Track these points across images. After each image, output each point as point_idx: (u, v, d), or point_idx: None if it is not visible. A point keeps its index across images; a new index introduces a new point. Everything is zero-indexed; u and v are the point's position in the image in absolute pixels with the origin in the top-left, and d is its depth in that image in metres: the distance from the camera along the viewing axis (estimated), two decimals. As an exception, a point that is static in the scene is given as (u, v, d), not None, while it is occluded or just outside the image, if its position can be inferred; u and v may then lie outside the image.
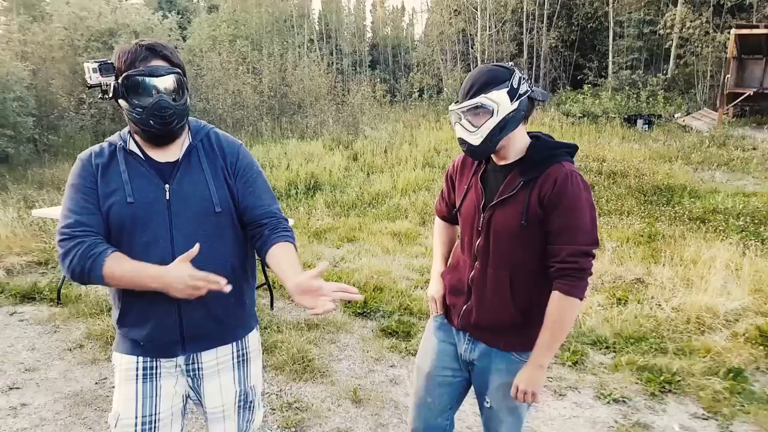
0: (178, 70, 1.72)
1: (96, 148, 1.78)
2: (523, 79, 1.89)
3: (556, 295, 1.81)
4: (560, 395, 3.62)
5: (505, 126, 1.85)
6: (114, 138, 1.80)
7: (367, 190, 10.01)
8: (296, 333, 4.30)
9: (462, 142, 1.91)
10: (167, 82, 1.68)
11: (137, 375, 1.75)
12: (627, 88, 24.01)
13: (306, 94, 18.92)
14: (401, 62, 42.34)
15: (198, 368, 1.82)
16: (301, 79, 19.40)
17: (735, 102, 18.50)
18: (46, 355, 3.95)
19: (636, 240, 7.41)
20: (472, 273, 2.00)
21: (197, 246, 1.61)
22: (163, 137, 1.74)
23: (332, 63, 32.83)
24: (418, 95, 29.63)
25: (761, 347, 4.18)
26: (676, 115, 19.78)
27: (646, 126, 18.23)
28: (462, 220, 2.08)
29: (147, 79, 1.66)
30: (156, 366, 1.77)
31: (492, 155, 1.97)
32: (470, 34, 32.72)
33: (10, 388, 3.47)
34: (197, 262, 1.63)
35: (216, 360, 1.83)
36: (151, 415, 1.75)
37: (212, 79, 17.67)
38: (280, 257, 1.72)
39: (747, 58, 19.06)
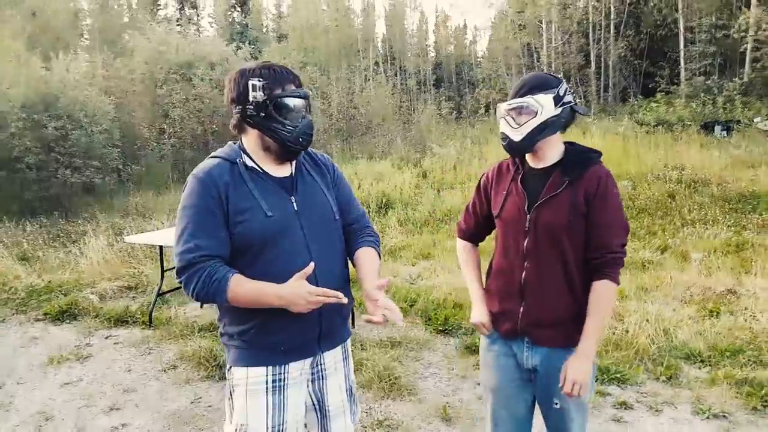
0: (309, 93, 1.88)
1: (212, 164, 1.80)
2: (569, 91, 2.05)
3: (604, 284, 1.95)
4: (656, 411, 3.50)
5: (545, 128, 2.00)
6: (227, 153, 1.84)
7: (438, 206, 10.04)
8: (380, 350, 4.35)
9: (504, 137, 2.06)
10: (304, 104, 1.84)
11: (267, 388, 1.81)
12: (702, 94, 23.03)
13: (373, 115, 19.25)
14: (465, 79, 42.34)
15: (322, 369, 1.93)
16: (368, 101, 19.75)
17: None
18: (142, 376, 4.12)
19: (723, 250, 7.09)
20: (524, 274, 2.07)
21: (312, 265, 1.71)
22: (297, 155, 1.87)
23: (397, 84, 33.25)
24: (485, 111, 29.48)
25: None
26: (755, 120, 18.79)
27: (725, 132, 17.42)
28: (504, 225, 2.16)
29: (296, 100, 1.80)
30: (284, 378, 1.83)
31: (528, 157, 2.11)
32: (535, 48, 32.35)
33: (111, 409, 3.63)
34: (327, 265, 1.82)
35: (334, 359, 1.97)
36: (280, 424, 1.82)
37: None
38: (363, 260, 1.94)
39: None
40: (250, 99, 1.76)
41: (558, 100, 2.00)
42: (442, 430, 3.33)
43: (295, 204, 1.83)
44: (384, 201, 10.39)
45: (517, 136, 2.01)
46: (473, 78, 39.61)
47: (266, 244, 1.75)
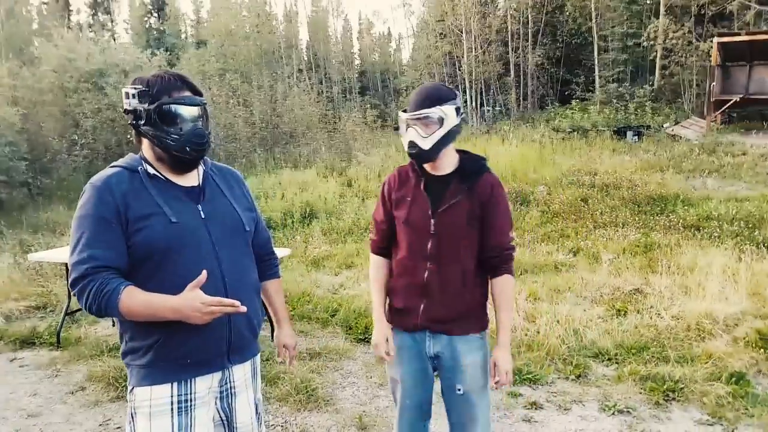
0: (205, 101, 1.83)
1: (109, 173, 1.75)
2: (462, 101, 2.29)
3: (506, 278, 2.19)
4: (565, 409, 3.63)
5: (448, 137, 2.16)
6: (127, 162, 1.79)
7: (362, 215, 10.05)
8: (299, 363, 4.30)
9: (412, 145, 2.15)
10: (198, 111, 1.78)
11: (172, 409, 1.74)
12: (615, 101, 24.25)
13: (297, 123, 19.09)
14: (390, 87, 42.74)
15: (231, 386, 1.89)
16: (292, 108, 19.57)
17: (722, 109, 18.70)
18: (48, 400, 3.91)
19: (632, 251, 7.46)
20: (426, 274, 2.21)
21: (204, 273, 1.64)
22: (191, 164, 1.81)
23: (322, 91, 33.14)
24: (409, 119, 29.82)
25: (762, 350, 4.21)
26: (664, 125, 19.97)
27: (636, 137, 18.39)
28: (409, 229, 2.25)
29: (184, 107, 1.74)
30: (190, 398, 1.76)
31: (427, 165, 2.24)
32: (456, 57, 33.10)
33: (14, 436, 3.43)
34: (238, 276, 1.81)
35: (244, 376, 1.92)
36: None
37: (203, 113, 17.71)
38: (275, 298, 2.15)
39: (731, 65, 19.28)
40: (125, 107, 1.74)
41: (458, 111, 2.17)
42: (357, 440, 3.31)
43: (202, 212, 1.79)
44: (308, 210, 10.32)
45: (426, 145, 2.13)
46: (398, 86, 40.07)
47: (170, 252, 1.69)
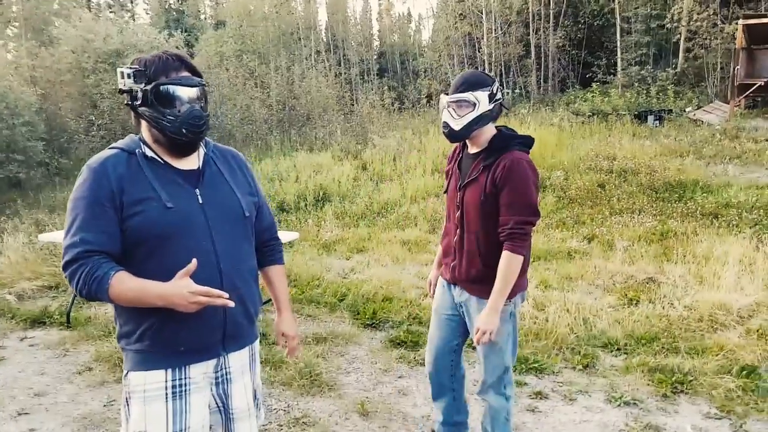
0: (204, 81, 1.80)
1: (107, 155, 1.73)
2: (500, 89, 2.51)
3: (506, 254, 2.40)
4: (570, 400, 3.59)
5: (480, 120, 2.44)
6: (126, 144, 1.76)
7: (376, 199, 10.02)
8: (304, 347, 4.31)
9: (446, 125, 2.50)
10: (197, 93, 1.74)
11: (166, 394, 1.73)
12: (636, 84, 23.77)
13: (314, 105, 18.99)
14: (409, 69, 42.36)
15: (226, 372, 1.87)
16: (309, 90, 19.47)
17: (746, 93, 18.23)
18: (55, 379, 3.96)
19: (648, 238, 7.34)
20: (456, 238, 2.62)
21: (195, 261, 1.63)
22: (188, 146, 1.77)
23: (340, 73, 32.93)
24: (426, 101, 29.61)
25: (775, 343, 4.12)
26: (687, 110, 19.56)
27: (657, 122, 18.05)
28: (448, 198, 2.74)
29: (181, 88, 1.70)
30: (185, 383, 1.76)
31: (468, 142, 2.58)
32: (476, 38, 32.66)
33: (20, 414, 3.47)
34: (234, 263, 1.79)
35: (240, 362, 1.91)
36: (182, 430, 1.75)
37: (220, 95, 17.78)
38: (278, 284, 2.12)
39: (756, 48, 18.76)
40: (119, 87, 1.70)
41: (492, 97, 2.44)
42: (359, 425, 3.31)
43: (200, 197, 1.76)
44: (321, 194, 10.31)
45: (457, 126, 2.45)
46: (417, 68, 39.69)
47: (164, 237, 1.67)
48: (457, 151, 2.70)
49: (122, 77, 1.69)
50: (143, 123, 1.75)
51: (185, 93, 1.71)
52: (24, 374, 4.05)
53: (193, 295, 1.60)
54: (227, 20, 35.50)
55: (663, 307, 5.00)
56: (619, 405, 3.51)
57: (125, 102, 1.75)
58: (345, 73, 36.35)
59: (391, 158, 12.91)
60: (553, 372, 3.95)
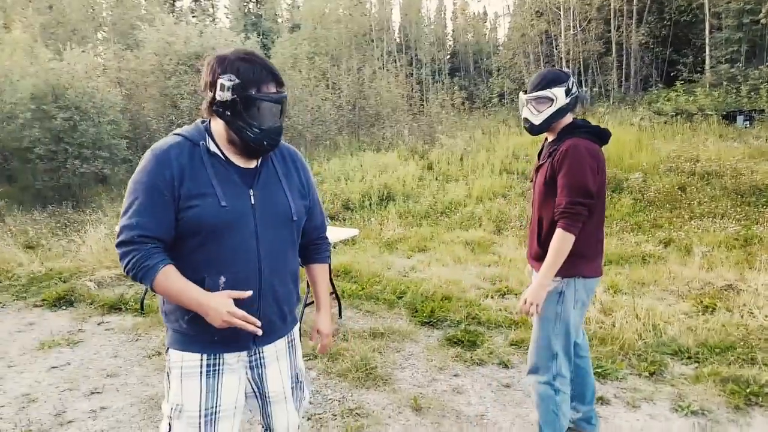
0: (286, 93, 1.82)
1: (172, 143, 1.75)
2: (575, 83, 2.67)
3: (558, 231, 2.52)
4: (633, 407, 3.42)
5: (558, 114, 2.62)
6: (191, 134, 1.78)
7: (440, 199, 9.96)
8: (361, 342, 4.33)
9: (526, 121, 2.71)
10: (281, 107, 1.79)
11: (201, 372, 1.81)
12: (726, 82, 22.43)
13: (383, 106, 19.08)
14: (482, 68, 41.82)
15: (260, 358, 1.92)
16: (378, 91, 19.58)
17: None
18: (127, 362, 4.18)
19: (729, 244, 6.94)
20: (531, 219, 2.82)
21: (250, 293, 1.73)
22: (260, 154, 1.82)
23: (411, 73, 32.94)
24: (498, 100, 29.13)
25: None
26: (781, 109, 18.31)
27: (747, 122, 16.99)
28: (532, 187, 2.91)
29: (271, 105, 1.74)
30: (219, 363, 1.82)
31: (547, 133, 2.75)
32: (554, 35, 31.85)
33: (92, 393, 3.69)
34: (275, 265, 1.83)
35: (275, 349, 1.96)
36: (213, 407, 1.81)
37: (293, 96, 18.09)
38: (320, 283, 2.14)
39: None
40: (217, 97, 1.70)
41: (568, 92, 2.61)
42: (411, 419, 3.29)
43: (252, 198, 1.79)
44: (386, 193, 10.34)
45: (537, 121, 2.65)
46: (490, 66, 39.14)
47: (215, 233, 1.71)
48: (543, 144, 2.89)
49: (222, 89, 1.69)
50: (220, 121, 1.76)
51: (272, 109, 1.75)
52: (98, 356, 4.30)
53: (229, 315, 1.67)
54: (302, 23, 36.32)
55: (742, 316, 4.70)
56: (685, 414, 3.31)
57: (209, 103, 1.75)
58: (416, 73, 36.35)
59: (458, 158, 12.79)
60: (617, 378, 3.79)
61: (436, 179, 11.56)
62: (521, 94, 2.75)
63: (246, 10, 40.85)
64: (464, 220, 8.86)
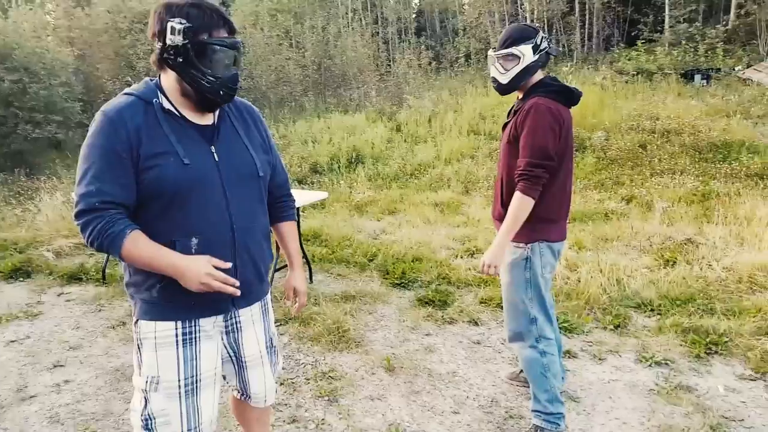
0: (241, 42, 1.74)
1: (124, 102, 1.65)
2: (545, 38, 2.56)
3: (516, 194, 2.45)
4: (599, 359, 3.54)
5: (527, 72, 2.55)
6: (142, 92, 1.69)
7: (409, 161, 9.94)
8: (333, 305, 4.34)
9: (494, 80, 2.63)
10: (236, 55, 1.70)
11: (177, 341, 1.74)
12: (684, 42, 22.70)
13: (349, 66, 18.73)
14: (449, 28, 41.35)
15: (236, 322, 1.89)
16: (344, 50, 19.18)
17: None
18: (90, 333, 4.08)
19: (688, 199, 7.12)
20: (496, 178, 2.77)
21: (228, 264, 1.68)
22: (217, 105, 1.75)
23: (377, 32, 32.35)
24: (465, 60, 28.93)
25: (818, 306, 3.96)
26: (736, 68, 18.65)
27: (704, 81, 17.25)
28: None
29: (224, 50, 1.65)
30: (195, 330, 1.76)
31: (518, 92, 2.65)
32: (518, -6, 31.61)
33: (55, 366, 3.59)
34: (247, 222, 1.78)
35: (250, 313, 1.93)
36: (193, 376, 1.77)
37: (255, 55, 17.62)
38: (289, 239, 2.11)
39: (816, 3, 17.63)
40: (167, 42, 1.61)
41: (536, 49, 2.52)
42: (384, 380, 3.34)
43: (215, 155, 1.72)
44: (355, 155, 10.25)
45: (504, 80, 2.58)
46: (456, 26, 38.71)
47: (180, 193, 1.64)
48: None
49: (172, 32, 1.60)
50: (170, 73, 1.68)
51: (227, 55, 1.66)
52: (60, 328, 4.19)
53: (208, 277, 1.61)
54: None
55: (701, 269, 4.86)
56: (649, 365, 3.44)
57: (159, 53, 1.66)
58: (382, 33, 35.74)
59: (426, 119, 12.72)
60: (583, 332, 3.90)
61: (405, 141, 11.50)
62: (490, 51, 2.67)
63: (203, -34, 39.17)
64: (433, 181, 8.88)
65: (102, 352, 3.78)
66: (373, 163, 10.02)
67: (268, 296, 2.04)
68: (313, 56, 18.33)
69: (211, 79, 1.64)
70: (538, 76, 2.60)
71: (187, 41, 1.60)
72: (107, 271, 5.15)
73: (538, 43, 2.52)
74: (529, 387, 2.90)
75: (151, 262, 1.62)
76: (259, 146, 1.88)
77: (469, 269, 5.08)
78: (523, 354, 2.74)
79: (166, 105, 1.69)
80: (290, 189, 2.14)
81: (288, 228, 2.10)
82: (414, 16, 42.90)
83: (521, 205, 2.44)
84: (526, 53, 2.50)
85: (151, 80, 1.76)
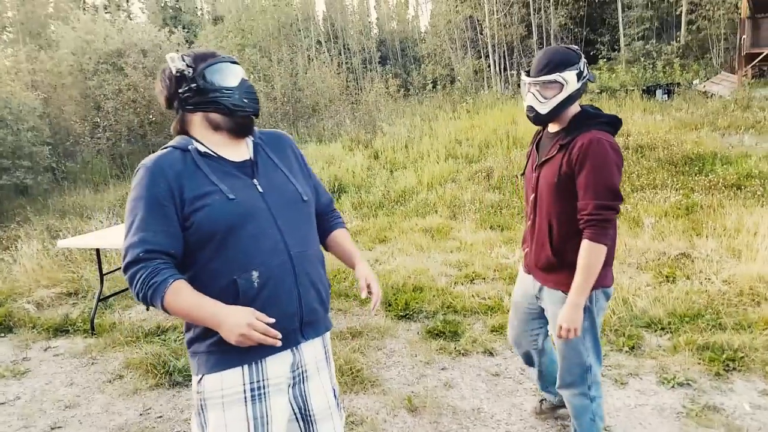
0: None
1: (161, 153, 1.69)
2: (586, 63, 2.29)
3: (585, 243, 2.19)
4: (621, 384, 3.48)
5: (569, 101, 2.26)
6: (177, 143, 1.72)
7: (392, 187, 9.89)
8: (340, 343, 4.21)
9: (531, 109, 2.31)
10: (243, 71, 1.80)
11: (245, 397, 1.65)
12: (642, 59, 23.51)
13: (319, 96, 18.78)
14: (410, 55, 41.97)
15: (303, 371, 1.79)
16: (313, 81, 19.23)
17: (753, 62, 17.95)
18: (85, 390, 3.83)
19: (674, 213, 7.21)
20: (529, 223, 2.50)
21: (272, 320, 1.58)
22: (248, 123, 1.76)
23: (342, 63, 32.62)
24: (432, 87, 29.36)
25: (826, 315, 3.99)
26: (694, 82, 19.30)
27: (666, 96, 17.82)
28: (525, 181, 2.57)
29: (230, 65, 1.74)
30: (264, 384, 1.67)
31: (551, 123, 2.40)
32: (478, 20, 32.31)
33: (52, 428, 3.35)
34: (302, 247, 1.74)
35: (315, 358, 1.83)
36: None
37: (225, 91, 17.45)
38: (343, 240, 2.02)
39: (761, 17, 18.39)
40: (174, 71, 1.69)
41: (580, 75, 2.25)
42: (408, 421, 3.20)
43: (258, 186, 1.72)
44: (337, 185, 10.18)
45: (543, 109, 2.27)
46: (418, 54, 39.31)
47: (232, 229, 1.62)
48: (538, 132, 2.55)
49: (172, 61, 1.70)
50: (195, 119, 1.73)
51: (233, 70, 1.74)
52: (52, 386, 3.93)
53: (248, 327, 1.51)
54: (225, 15, 35.17)
55: (701, 283, 4.88)
56: (672, 387, 3.39)
57: (177, 105, 1.75)
58: (347, 63, 36.05)
59: (402, 145, 12.74)
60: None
61: (384, 168, 11.48)
62: (523, 75, 2.35)
63: (163, 3, 39.15)
64: (419, 207, 8.83)
65: (101, 410, 3.54)
66: (356, 192, 9.94)
67: (328, 336, 1.92)
68: (283, 89, 18.31)
69: (228, 91, 1.69)
70: (575, 106, 2.33)
71: (192, 67, 1.68)
72: (96, 320, 4.88)
73: (582, 69, 2.25)
74: (555, 414, 3.01)
75: (190, 311, 1.56)
76: (298, 171, 1.88)
77: (473, 296, 5.00)
78: (572, 402, 2.59)
79: (202, 149, 1.70)
80: (334, 206, 2.14)
81: (341, 232, 2.06)
82: (376, 45, 43.49)
83: (595, 254, 2.18)
84: (570, 80, 2.22)
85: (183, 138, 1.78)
